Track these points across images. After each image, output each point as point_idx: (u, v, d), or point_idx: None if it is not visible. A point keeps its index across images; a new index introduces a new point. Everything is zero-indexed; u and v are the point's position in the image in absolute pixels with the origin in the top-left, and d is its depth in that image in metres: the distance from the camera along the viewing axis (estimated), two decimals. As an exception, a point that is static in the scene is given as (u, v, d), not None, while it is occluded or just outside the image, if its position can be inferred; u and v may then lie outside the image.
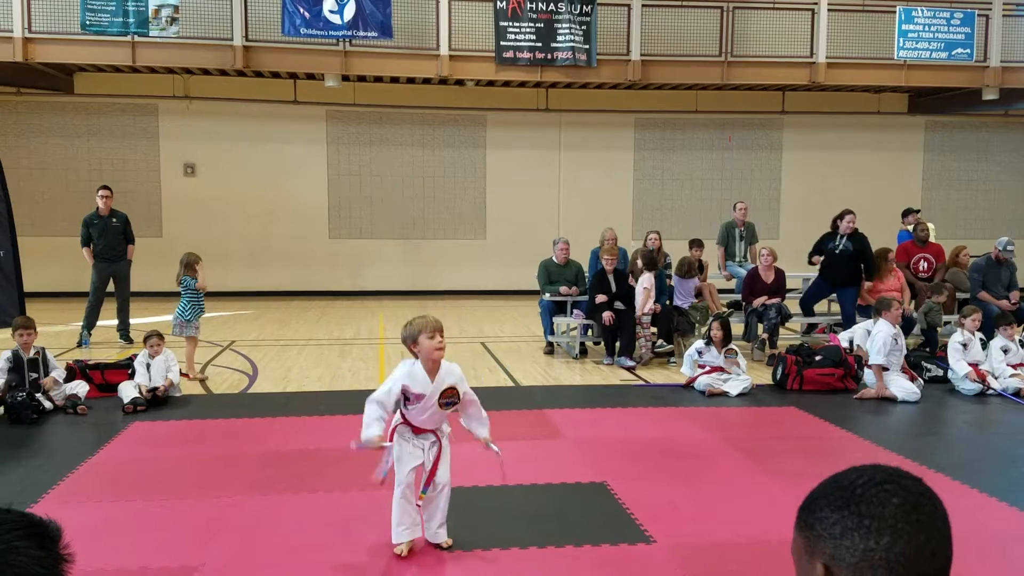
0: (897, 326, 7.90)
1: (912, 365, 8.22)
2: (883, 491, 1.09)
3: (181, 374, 7.75)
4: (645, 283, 9.25)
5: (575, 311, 9.79)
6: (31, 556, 1.16)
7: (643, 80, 13.57)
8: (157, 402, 7.14)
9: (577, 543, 4.36)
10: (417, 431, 4.14)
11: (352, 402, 7.28)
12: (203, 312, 8.56)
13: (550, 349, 9.90)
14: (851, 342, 8.56)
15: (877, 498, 1.08)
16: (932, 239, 10.89)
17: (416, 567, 4.07)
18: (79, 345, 9.89)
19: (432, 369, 4.04)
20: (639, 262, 9.49)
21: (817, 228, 15.27)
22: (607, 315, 9.12)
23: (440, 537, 4.22)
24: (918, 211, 12.28)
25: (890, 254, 10.16)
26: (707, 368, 7.97)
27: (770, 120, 15.79)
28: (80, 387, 7.12)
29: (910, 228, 11.65)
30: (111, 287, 10.26)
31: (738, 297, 10.26)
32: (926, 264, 10.53)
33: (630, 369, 8.98)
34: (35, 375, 6.97)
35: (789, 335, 10.32)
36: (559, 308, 9.91)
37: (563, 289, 9.79)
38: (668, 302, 9.69)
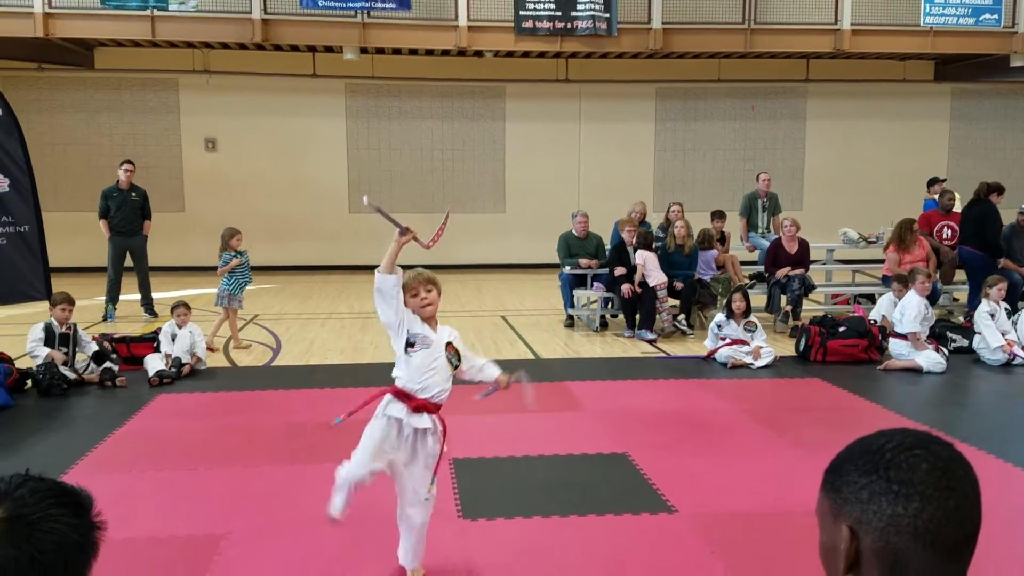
0: (924, 296, 7.84)
1: (937, 335, 8.14)
2: (912, 456, 1.08)
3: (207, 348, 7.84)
4: (638, 259, 9.20)
5: (595, 284, 9.76)
6: (66, 523, 1.17)
7: (664, 49, 13.39)
8: (183, 375, 7.23)
9: (599, 512, 4.37)
10: (416, 406, 3.48)
11: (375, 375, 7.33)
12: (243, 286, 8.64)
13: (570, 322, 9.89)
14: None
15: (907, 463, 1.07)
16: (957, 208, 10.73)
17: (438, 536, 4.10)
18: (104, 319, 10.01)
19: (430, 324, 3.58)
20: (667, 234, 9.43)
21: (841, 198, 15.24)
22: (626, 287, 9.08)
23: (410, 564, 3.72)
24: (944, 180, 12.09)
25: (914, 224, 10.02)
26: (728, 340, 7.93)
27: (794, 89, 15.56)
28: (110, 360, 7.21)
29: (936, 197, 11.49)
30: (129, 262, 10.33)
31: (760, 269, 10.18)
32: (950, 232, 10.38)
33: (651, 342, 8.96)
34: (64, 349, 7.07)
35: (812, 307, 10.24)
36: (579, 281, 9.89)
37: (583, 261, 9.74)
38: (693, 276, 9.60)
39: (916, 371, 7.54)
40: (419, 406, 3.48)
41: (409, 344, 3.50)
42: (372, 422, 3.56)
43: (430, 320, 3.58)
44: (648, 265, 9.16)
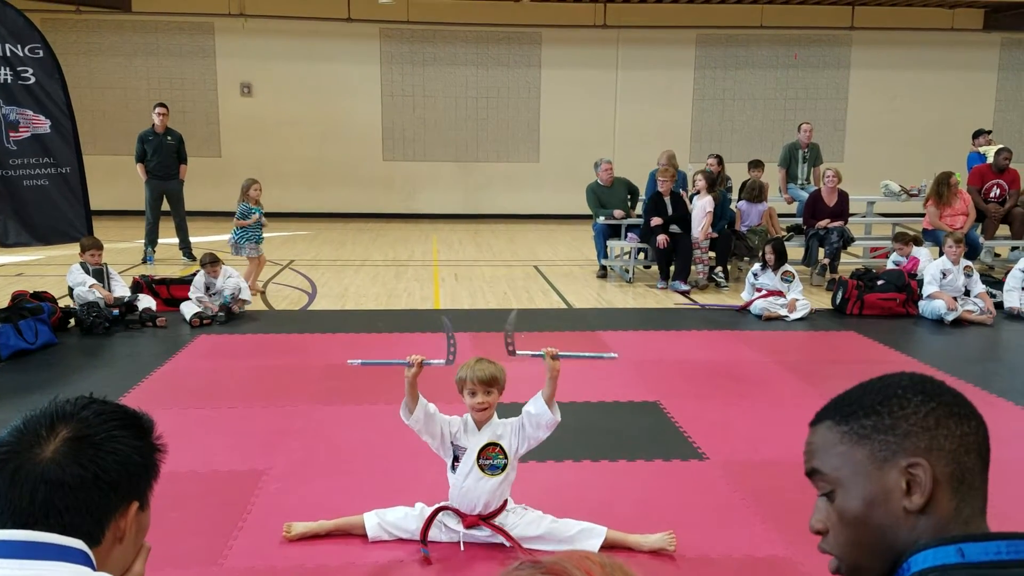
0: (954, 261, 7.73)
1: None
2: (939, 384, 1.12)
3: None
4: (708, 207, 9.03)
5: (629, 234, 9.70)
6: (129, 444, 1.22)
7: (705, -5, 13.09)
8: (221, 317, 7.33)
9: (630, 458, 4.42)
10: (465, 520, 3.36)
11: (408, 321, 7.42)
12: (251, 239, 8.58)
13: (603, 273, 9.86)
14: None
15: (946, 389, 1.11)
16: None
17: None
18: (144, 262, 10.18)
19: (480, 422, 3.40)
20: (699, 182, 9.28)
21: (883, 150, 14.90)
22: (661, 238, 9.01)
23: None
24: (990, 132, 11.78)
25: (952, 178, 9.75)
26: (764, 292, 7.88)
27: (838, 36, 15.15)
28: (147, 301, 7.34)
29: (981, 150, 11.20)
30: (167, 206, 10.44)
31: (798, 221, 10.04)
32: (999, 190, 10.13)
33: (684, 293, 8.92)
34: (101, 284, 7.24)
35: (851, 260, 10.10)
36: (613, 231, 9.83)
37: (617, 213, 9.66)
38: (728, 227, 9.46)
39: (957, 324, 7.46)
40: (472, 523, 3.36)
41: (455, 459, 3.37)
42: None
43: (481, 421, 3.37)
44: (707, 212, 9.02)
